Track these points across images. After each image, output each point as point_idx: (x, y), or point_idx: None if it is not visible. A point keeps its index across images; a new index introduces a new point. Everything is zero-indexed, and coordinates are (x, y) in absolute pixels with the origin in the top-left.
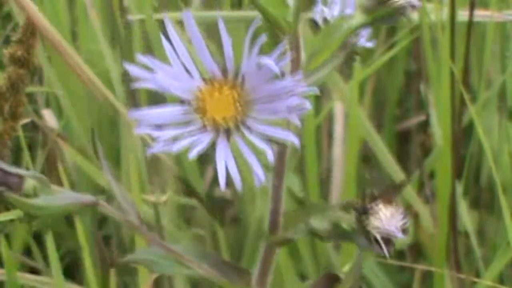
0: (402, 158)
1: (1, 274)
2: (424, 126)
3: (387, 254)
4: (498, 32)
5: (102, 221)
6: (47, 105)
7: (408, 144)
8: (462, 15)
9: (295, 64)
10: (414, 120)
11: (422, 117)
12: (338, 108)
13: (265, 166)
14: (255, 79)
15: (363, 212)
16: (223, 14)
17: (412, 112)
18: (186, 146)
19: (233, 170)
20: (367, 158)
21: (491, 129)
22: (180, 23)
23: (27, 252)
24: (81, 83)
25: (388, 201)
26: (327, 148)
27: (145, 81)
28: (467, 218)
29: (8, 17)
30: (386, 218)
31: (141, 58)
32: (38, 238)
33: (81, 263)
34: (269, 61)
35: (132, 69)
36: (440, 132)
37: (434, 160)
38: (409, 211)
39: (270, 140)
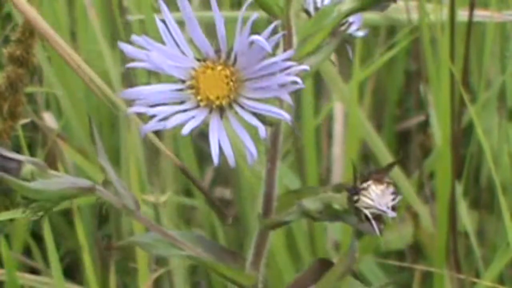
0: (402, 158)
1: (1, 274)
2: (424, 126)
3: (377, 232)
4: (498, 32)
5: (102, 221)
6: (47, 105)
7: (408, 144)
8: (462, 15)
9: (288, 48)
10: (414, 120)
11: (422, 117)
12: (338, 109)
13: (260, 152)
14: (247, 57)
15: (354, 192)
16: (222, 15)
17: (412, 112)
18: (180, 123)
19: (226, 146)
20: (367, 158)
21: (491, 129)
22: (179, 24)
23: (27, 252)
24: (80, 83)
25: (379, 180)
26: (326, 148)
27: (140, 61)
28: (467, 218)
29: (8, 17)
30: (377, 196)
31: (136, 38)
32: (38, 238)
33: (81, 263)
34: (260, 39)
35: (127, 49)
36: (439, 133)
37: (434, 161)
38: (409, 211)
39: (263, 121)
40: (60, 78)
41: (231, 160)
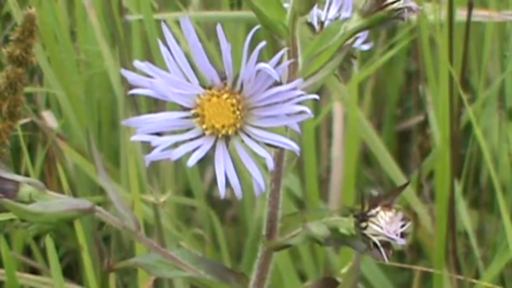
0: (402, 157)
1: (1, 274)
2: (424, 126)
3: (386, 259)
4: (497, 32)
5: (101, 221)
6: (47, 104)
7: (408, 144)
8: (461, 15)
9: (293, 68)
10: (414, 120)
11: (422, 117)
12: (337, 109)
13: (264, 168)
14: (254, 85)
15: (362, 218)
16: (222, 15)
17: (412, 112)
18: (185, 153)
19: (232, 177)
20: (366, 158)
21: (491, 128)
22: (178, 24)
23: (27, 252)
24: (80, 83)
25: (387, 206)
26: (326, 148)
27: (143, 88)
28: (466, 218)
29: (8, 17)
30: (386, 224)
31: (138, 64)
32: (38, 238)
33: (81, 263)
34: (267, 67)
35: (130, 76)
36: (439, 132)
37: (433, 160)
38: (408, 211)
39: (268, 145)
40: (59, 78)
41: (238, 192)
